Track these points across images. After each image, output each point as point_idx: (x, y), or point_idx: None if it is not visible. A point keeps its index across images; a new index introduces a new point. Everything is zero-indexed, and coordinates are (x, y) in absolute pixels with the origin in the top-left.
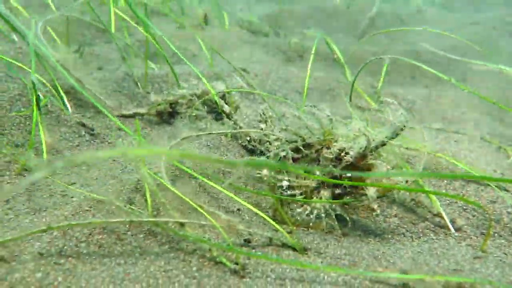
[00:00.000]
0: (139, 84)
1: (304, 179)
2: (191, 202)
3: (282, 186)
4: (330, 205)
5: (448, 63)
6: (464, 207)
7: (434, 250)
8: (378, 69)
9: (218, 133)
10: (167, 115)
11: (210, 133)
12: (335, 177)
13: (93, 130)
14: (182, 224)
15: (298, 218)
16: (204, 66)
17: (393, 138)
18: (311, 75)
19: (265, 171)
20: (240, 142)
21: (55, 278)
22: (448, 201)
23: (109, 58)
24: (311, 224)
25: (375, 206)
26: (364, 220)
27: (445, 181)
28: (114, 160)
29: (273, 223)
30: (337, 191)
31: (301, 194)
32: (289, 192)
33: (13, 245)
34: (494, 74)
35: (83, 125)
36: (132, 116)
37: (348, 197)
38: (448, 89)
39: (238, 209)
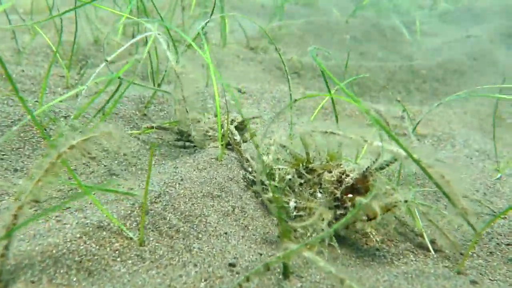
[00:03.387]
0: (138, 105)
1: (308, 201)
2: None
3: (289, 207)
4: (328, 229)
5: (443, 77)
6: (445, 227)
7: (409, 274)
8: (373, 85)
9: None
10: (188, 135)
11: None
12: (336, 199)
13: (89, 153)
14: (172, 247)
15: (300, 240)
16: (199, 86)
17: (393, 162)
18: (304, 93)
19: (270, 194)
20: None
21: None
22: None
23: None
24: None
25: (369, 229)
26: (349, 241)
27: (428, 201)
28: (109, 183)
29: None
30: (339, 211)
31: (307, 215)
32: (295, 213)
33: (6, 274)
34: (489, 88)
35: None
36: (154, 128)
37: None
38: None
39: (225, 233)
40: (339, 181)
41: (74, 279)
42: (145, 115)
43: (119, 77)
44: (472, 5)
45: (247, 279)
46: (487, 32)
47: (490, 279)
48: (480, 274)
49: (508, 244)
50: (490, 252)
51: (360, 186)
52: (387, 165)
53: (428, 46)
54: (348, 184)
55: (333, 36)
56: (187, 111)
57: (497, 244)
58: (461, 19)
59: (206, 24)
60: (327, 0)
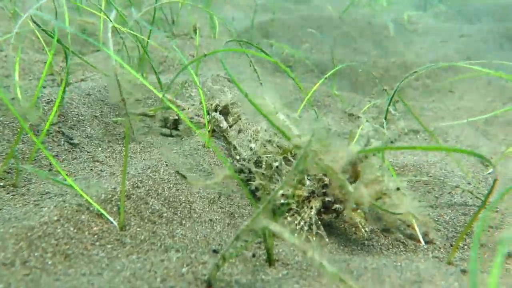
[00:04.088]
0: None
1: (296, 188)
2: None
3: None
4: (316, 217)
5: (436, 74)
6: (436, 219)
7: (398, 263)
8: (366, 81)
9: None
10: (173, 122)
11: None
12: (325, 186)
13: (72, 139)
14: (154, 232)
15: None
16: (189, 75)
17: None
18: (294, 85)
19: (258, 181)
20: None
21: None
22: (422, 214)
23: (96, 67)
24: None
25: (358, 219)
26: (338, 231)
27: (419, 192)
28: (91, 170)
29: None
30: (327, 198)
31: (295, 202)
32: (282, 201)
33: None
34: (482, 86)
35: (63, 133)
36: (137, 115)
37: (337, 205)
38: (435, 101)
39: (210, 220)
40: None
41: (49, 262)
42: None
43: (57, 40)
44: (466, 5)
45: (223, 258)
46: (481, 32)
47: (480, 271)
48: None
49: None
50: (482, 245)
51: (349, 173)
52: (376, 151)
53: (421, 44)
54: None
55: (326, 32)
56: (127, 115)
57: (489, 236)
58: (455, 19)
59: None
60: None
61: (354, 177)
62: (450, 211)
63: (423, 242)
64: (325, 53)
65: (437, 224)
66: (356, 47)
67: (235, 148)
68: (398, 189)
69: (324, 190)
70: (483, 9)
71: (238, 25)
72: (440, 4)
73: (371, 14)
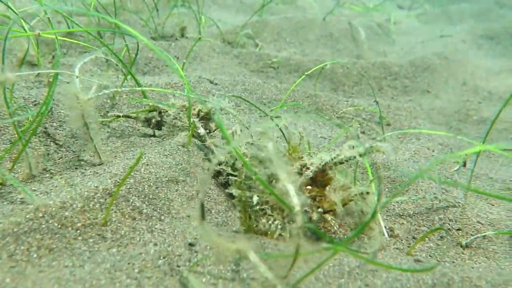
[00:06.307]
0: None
1: (270, 194)
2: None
3: (253, 201)
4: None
5: (414, 75)
6: (401, 214)
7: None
8: (346, 81)
9: None
10: (155, 124)
11: None
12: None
13: (56, 140)
14: (133, 228)
15: (261, 227)
16: (173, 77)
17: (352, 159)
18: (277, 87)
19: (234, 190)
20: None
21: (3, 280)
22: (386, 208)
23: (82, 69)
24: (269, 232)
25: (329, 218)
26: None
27: (386, 189)
28: (76, 168)
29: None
30: None
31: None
32: (258, 207)
33: None
34: (457, 86)
35: (48, 134)
36: (121, 117)
37: (306, 208)
38: (412, 100)
39: (188, 216)
40: (300, 173)
41: (35, 256)
42: (116, 103)
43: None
44: (449, 6)
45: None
46: (461, 32)
47: (437, 260)
48: (429, 256)
49: (458, 229)
50: (441, 237)
51: (320, 179)
52: (347, 160)
53: (402, 44)
54: (308, 177)
55: (309, 33)
56: (91, 139)
57: (449, 229)
58: (437, 20)
59: None
60: None
61: (325, 182)
62: (414, 206)
63: (386, 235)
64: (307, 54)
65: (401, 218)
66: (339, 48)
67: (212, 152)
68: (367, 193)
69: None
70: (467, 10)
71: (223, 26)
72: (425, 4)
73: (354, 15)
